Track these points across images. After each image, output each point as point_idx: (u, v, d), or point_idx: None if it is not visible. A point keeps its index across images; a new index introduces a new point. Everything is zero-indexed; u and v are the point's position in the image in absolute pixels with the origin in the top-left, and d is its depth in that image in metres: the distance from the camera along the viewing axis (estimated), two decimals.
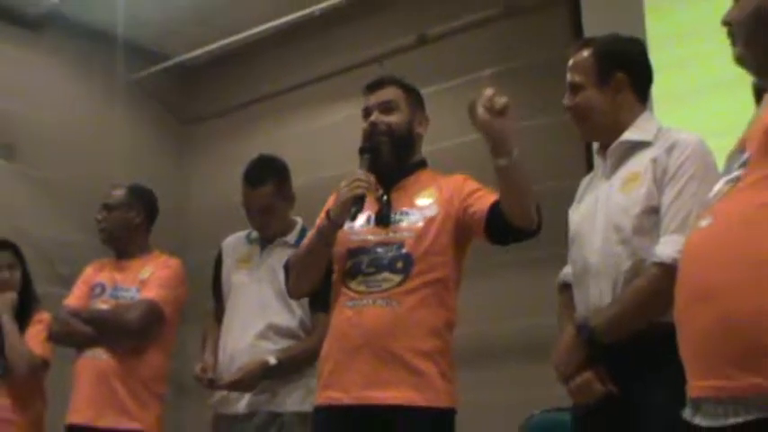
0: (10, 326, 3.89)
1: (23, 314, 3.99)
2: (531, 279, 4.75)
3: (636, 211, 2.42)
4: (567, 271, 2.71)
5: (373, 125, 2.83)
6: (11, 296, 3.98)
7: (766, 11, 1.85)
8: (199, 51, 6.41)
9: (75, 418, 3.70)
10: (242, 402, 3.41)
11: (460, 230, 2.75)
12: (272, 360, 3.32)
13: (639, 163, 2.49)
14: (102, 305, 3.81)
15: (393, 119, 2.84)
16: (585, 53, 2.63)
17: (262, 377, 3.33)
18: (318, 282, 2.85)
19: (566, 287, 2.69)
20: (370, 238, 2.74)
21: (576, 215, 2.67)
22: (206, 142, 6.92)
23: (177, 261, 3.95)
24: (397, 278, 2.66)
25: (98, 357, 3.70)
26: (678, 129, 2.56)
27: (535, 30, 5.35)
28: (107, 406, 3.65)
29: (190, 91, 7.04)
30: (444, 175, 2.92)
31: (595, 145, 2.84)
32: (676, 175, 2.39)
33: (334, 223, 2.69)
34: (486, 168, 5.27)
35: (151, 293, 3.76)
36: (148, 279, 3.82)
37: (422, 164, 2.94)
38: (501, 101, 2.36)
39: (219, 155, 6.56)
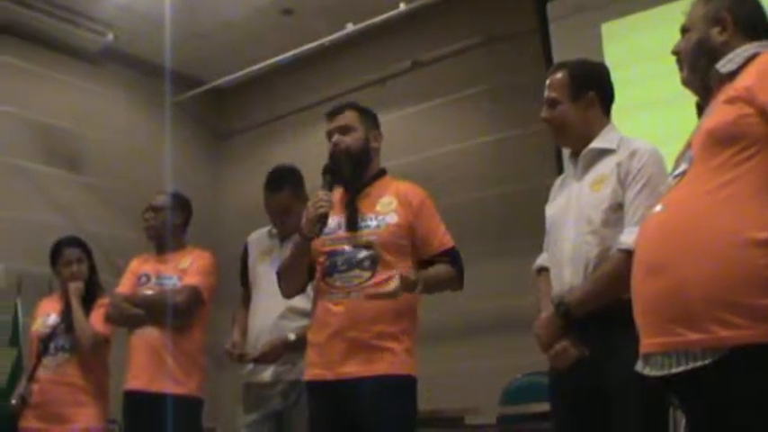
0: (77, 309, 3.89)
1: (90, 299, 3.97)
2: (510, 266, 4.70)
3: (604, 207, 2.42)
4: (544, 256, 2.69)
5: (335, 145, 2.85)
6: (78, 285, 3.96)
7: (705, 44, 1.95)
8: (230, 77, 6.46)
9: (132, 384, 3.71)
10: (267, 372, 3.40)
11: (414, 238, 2.80)
12: (292, 336, 3.31)
13: (606, 166, 2.49)
14: (149, 291, 3.80)
15: (350, 139, 2.85)
16: (560, 74, 2.62)
17: (283, 351, 3.33)
18: (304, 283, 2.90)
19: (542, 270, 2.68)
20: (343, 241, 2.75)
21: (552, 210, 2.66)
22: (236, 154, 6.92)
23: (209, 253, 3.93)
24: (366, 274, 2.69)
25: (149, 334, 3.70)
26: (636, 138, 2.55)
27: (511, 56, 5.34)
28: (158, 374, 3.65)
29: (222, 110, 7.07)
30: (401, 182, 2.94)
31: (566, 151, 2.83)
32: (636, 177, 2.39)
33: (306, 238, 2.71)
34: (465, 171, 5.29)
35: (193, 280, 3.76)
36: (188, 268, 3.80)
37: (381, 172, 2.94)
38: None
39: (247, 164, 6.56)
